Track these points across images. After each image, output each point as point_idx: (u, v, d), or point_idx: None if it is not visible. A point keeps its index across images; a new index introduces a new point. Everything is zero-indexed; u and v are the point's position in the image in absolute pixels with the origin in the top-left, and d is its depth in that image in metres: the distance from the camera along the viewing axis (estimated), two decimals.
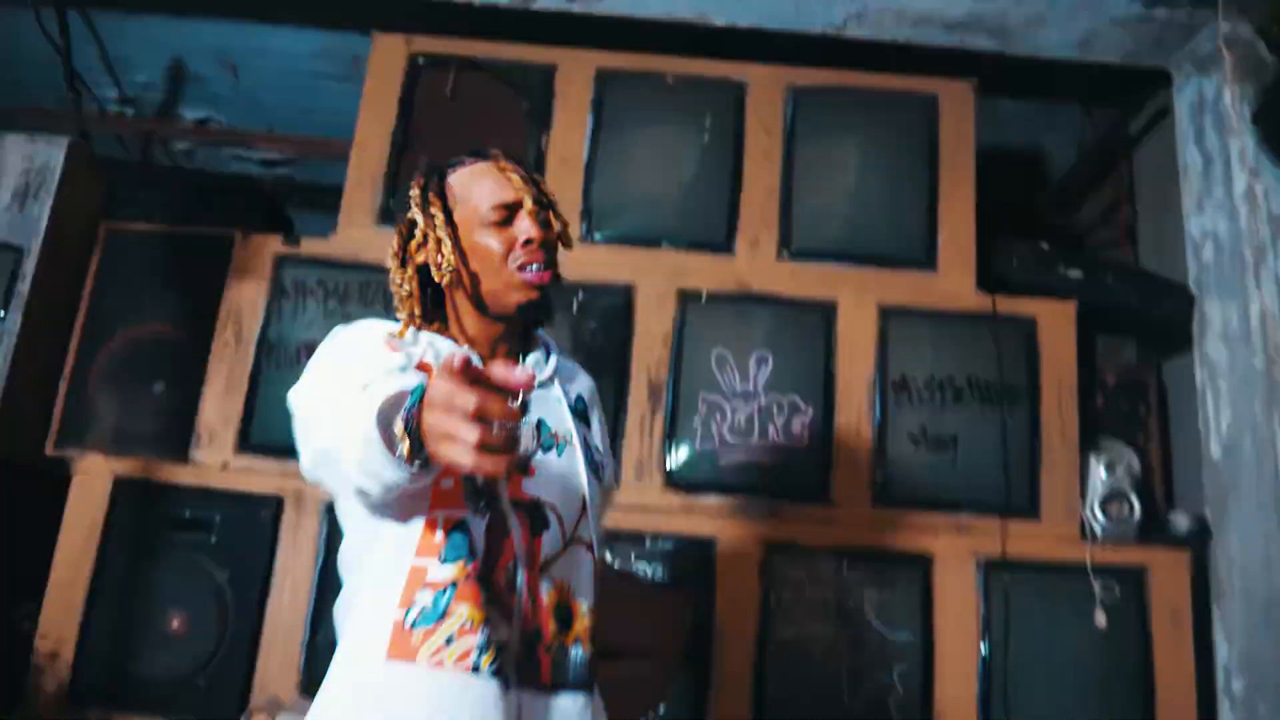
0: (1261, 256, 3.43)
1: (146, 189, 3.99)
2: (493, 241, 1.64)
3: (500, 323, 1.66)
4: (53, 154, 3.74)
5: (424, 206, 1.68)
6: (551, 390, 1.71)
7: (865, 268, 3.70)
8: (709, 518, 3.41)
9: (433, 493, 1.51)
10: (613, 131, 3.82)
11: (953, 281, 3.67)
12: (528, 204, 1.66)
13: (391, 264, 1.71)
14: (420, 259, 1.67)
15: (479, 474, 1.18)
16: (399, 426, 1.22)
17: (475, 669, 1.46)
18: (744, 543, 3.36)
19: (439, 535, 1.50)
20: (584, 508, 1.66)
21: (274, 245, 3.67)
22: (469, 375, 1.16)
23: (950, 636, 3.31)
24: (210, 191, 4.06)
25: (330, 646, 3.14)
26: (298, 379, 3.49)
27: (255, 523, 3.32)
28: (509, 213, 1.66)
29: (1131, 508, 3.45)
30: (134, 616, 3.25)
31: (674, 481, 3.45)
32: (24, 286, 3.58)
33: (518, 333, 1.70)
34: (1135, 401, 3.86)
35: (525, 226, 1.65)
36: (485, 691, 1.45)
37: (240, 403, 3.49)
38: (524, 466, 1.59)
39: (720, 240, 3.72)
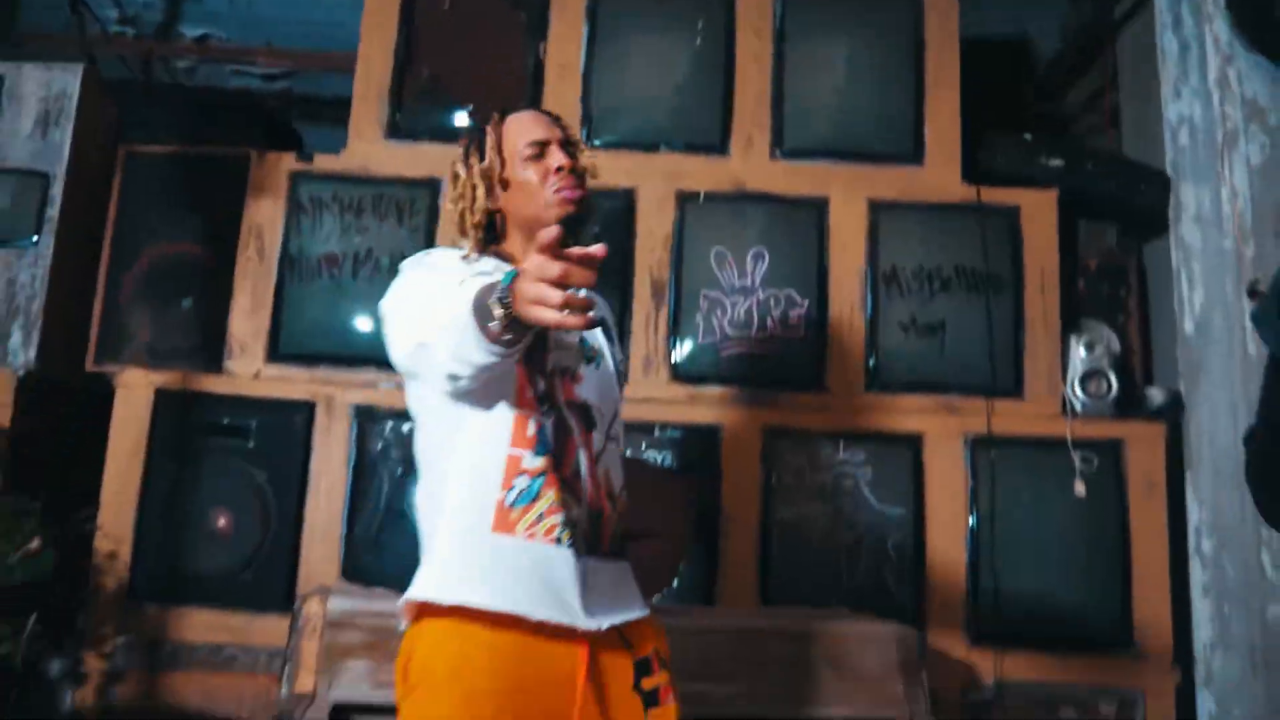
0: (1233, 141, 3.58)
1: (156, 110, 4.12)
2: (531, 173, 1.90)
3: None
4: (69, 81, 3.86)
5: (465, 160, 1.94)
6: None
7: (855, 164, 3.86)
8: (713, 407, 3.63)
9: (525, 398, 1.78)
10: (608, 39, 3.94)
11: (939, 175, 3.84)
12: (556, 139, 1.92)
13: (450, 206, 1.96)
14: (459, 208, 1.92)
15: (563, 328, 1.43)
16: (495, 301, 1.46)
17: (558, 541, 1.75)
18: (746, 430, 3.58)
19: (531, 431, 1.77)
20: (615, 410, 1.94)
21: (288, 163, 3.82)
22: (555, 252, 1.40)
23: (941, 510, 3.56)
24: (217, 109, 4.20)
25: (368, 539, 3.40)
26: (321, 291, 3.67)
27: (289, 427, 3.55)
28: (541, 148, 1.91)
29: (1109, 384, 3.67)
30: (183, 517, 3.49)
31: (679, 374, 3.67)
32: (53, 211, 3.75)
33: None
34: (1116, 284, 4.05)
35: (557, 157, 1.90)
36: (566, 559, 1.75)
37: (267, 315, 3.69)
38: (574, 374, 1.87)
39: (715, 142, 3.88)
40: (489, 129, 1.95)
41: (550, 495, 1.77)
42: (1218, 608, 3.45)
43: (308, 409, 3.56)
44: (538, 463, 1.77)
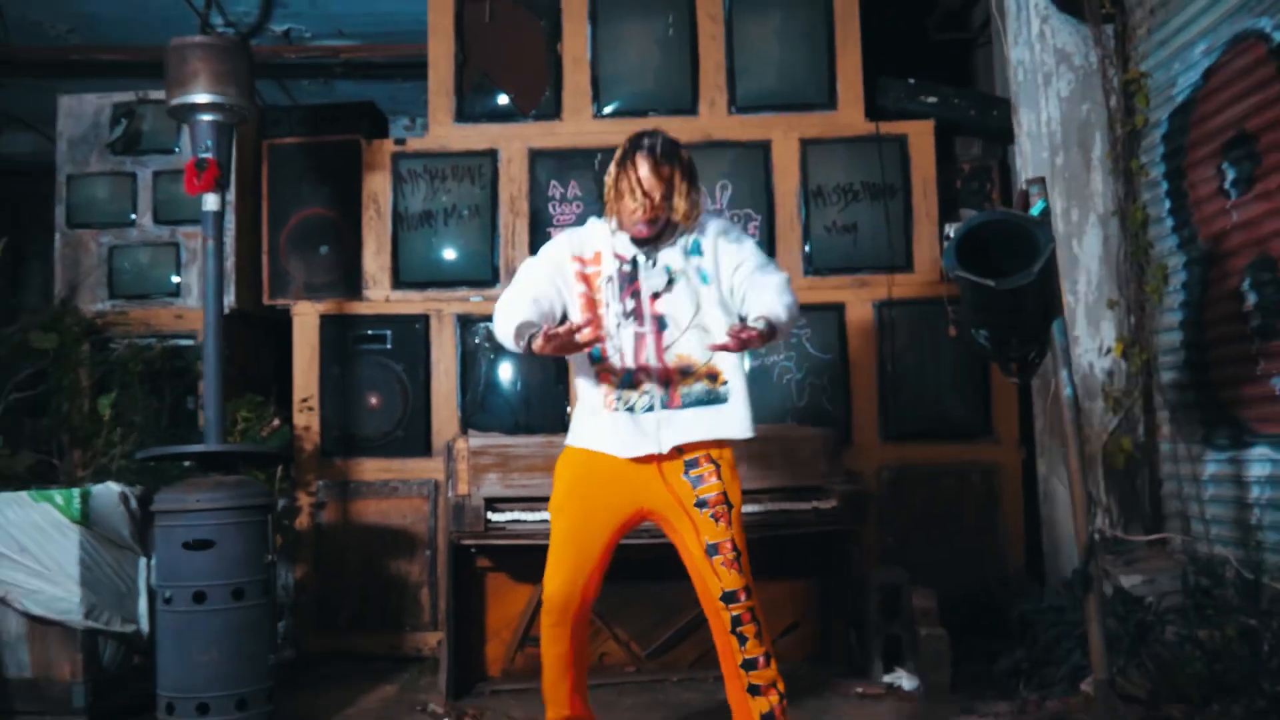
0: (1048, 80, 5.09)
1: (283, 110, 5.68)
2: (627, 200, 2.90)
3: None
4: None
5: (614, 173, 2.93)
6: (676, 249, 2.98)
7: (789, 113, 5.41)
8: None
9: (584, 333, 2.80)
10: (606, 35, 5.45)
11: (848, 116, 5.40)
12: (652, 191, 2.86)
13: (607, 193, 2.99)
14: (605, 196, 2.99)
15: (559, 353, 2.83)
16: (524, 344, 2.82)
17: (616, 410, 2.95)
18: None
19: (598, 353, 2.97)
20: (697, 310, 2.94)
21: (389, 146, 5.41)
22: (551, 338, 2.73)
23: (858, 353, 5.23)
24: (326, 108, 5.74)
25: (475, 403, 5.13)
26: (424, 237, 5.33)
27: (413, 333, 5.22)
28: (641, 187, 2.86)
29: None
30: (348, 399, 5.20)
31: None
32: (231, 195, 5.35)
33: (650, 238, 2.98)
34: (983, 181, 5.62)
35: (642, 198, 2.87)
36: (636, 420, 2.94)
37: (389, 257, 5.33)
38: (657, 294, 2.93)
39: (688, 105, 5.44)
40: (627, 158, 2.88)
41: (606, 386, 2.94)
42: (1045, 403, 5.12)
43: (424, 319, 5.23)
44: (593, 370, 2.97)
